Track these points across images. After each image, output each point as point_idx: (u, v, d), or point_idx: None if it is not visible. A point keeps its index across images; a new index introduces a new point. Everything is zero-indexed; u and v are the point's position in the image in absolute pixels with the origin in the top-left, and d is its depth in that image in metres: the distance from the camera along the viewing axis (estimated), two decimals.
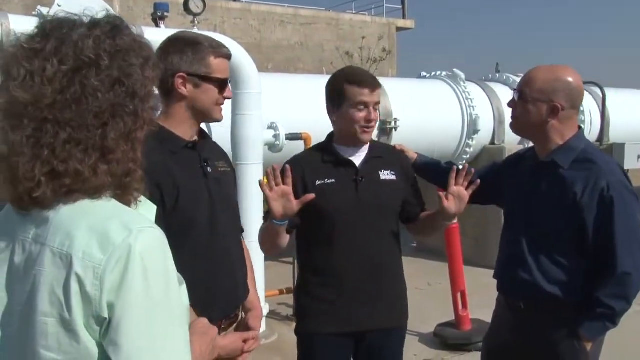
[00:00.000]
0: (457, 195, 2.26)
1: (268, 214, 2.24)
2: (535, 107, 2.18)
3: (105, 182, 1.07)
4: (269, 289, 4.89)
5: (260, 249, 2.41)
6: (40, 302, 1.02)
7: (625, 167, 7.35)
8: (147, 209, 1.19)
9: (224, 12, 16.47)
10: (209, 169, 1.99)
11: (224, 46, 1.99)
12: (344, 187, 2.30)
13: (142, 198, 1.18)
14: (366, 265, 2.32)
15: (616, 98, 8.34)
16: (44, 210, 1.06)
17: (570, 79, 2.17)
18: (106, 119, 1.06)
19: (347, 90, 2.28)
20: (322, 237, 2.31)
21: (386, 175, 2.38)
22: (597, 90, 8.08)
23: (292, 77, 7.27)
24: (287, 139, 4.76)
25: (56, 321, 1.02)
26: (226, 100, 2.02)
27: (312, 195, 2.11)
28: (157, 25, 4.59)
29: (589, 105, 7.89)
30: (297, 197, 2.12)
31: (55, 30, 1.07)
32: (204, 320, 1.46)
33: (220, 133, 4.83)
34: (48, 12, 3.60)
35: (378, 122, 6.09)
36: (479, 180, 2.30)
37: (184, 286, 1.21)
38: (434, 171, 2.63)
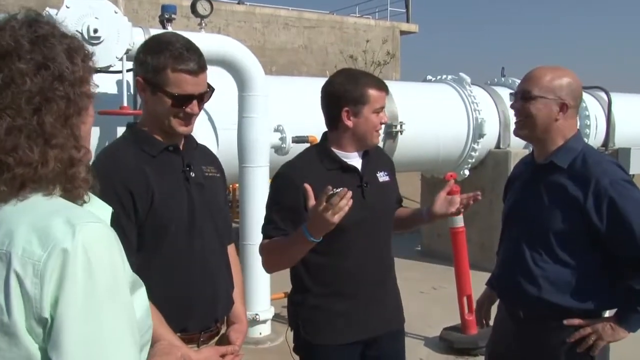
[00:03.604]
0: (449, 200, 2.33)
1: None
2: (544, 104, 2.15)
3: (55, 169, 1.05)
4: (274, 292, 4.87)
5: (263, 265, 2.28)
6: None
7: (631, 172, 7.33)
8: (99, 208, 1.15)
9: (228, 14, 16.51)
10: (192, 173, 1.92)
11: (191, 60, 1.81)
12: (353, 194, 2.20)
13: (92, 196, 1.14)
14: (377, 269, 2.31)
15: (622, 103, 8.32)
16: None
17: (571, 79, 2.19)
18: (38, 104, 1.04)
19: (370, 94, 2.20)
20: (333, 246, 2.19)
21: (382, 177, 2.37)
22: (603, 95, 8.07)
23: (298, 80, 7.27)
24: (293, 141, 4.75)
25: None
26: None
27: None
28: (164, 27, 4.59)
29: (595, 110, 7.89)
30: (303, 211, 2.05)
31: None
32: (165, 342, 1.42)
33: (227, 136, 4.86)
34: (57, 14, 3.60)
35: (384, 126, 6.17)
36: (479, 193, 2.32)
37: (143, 290, 1.16)
38: None
